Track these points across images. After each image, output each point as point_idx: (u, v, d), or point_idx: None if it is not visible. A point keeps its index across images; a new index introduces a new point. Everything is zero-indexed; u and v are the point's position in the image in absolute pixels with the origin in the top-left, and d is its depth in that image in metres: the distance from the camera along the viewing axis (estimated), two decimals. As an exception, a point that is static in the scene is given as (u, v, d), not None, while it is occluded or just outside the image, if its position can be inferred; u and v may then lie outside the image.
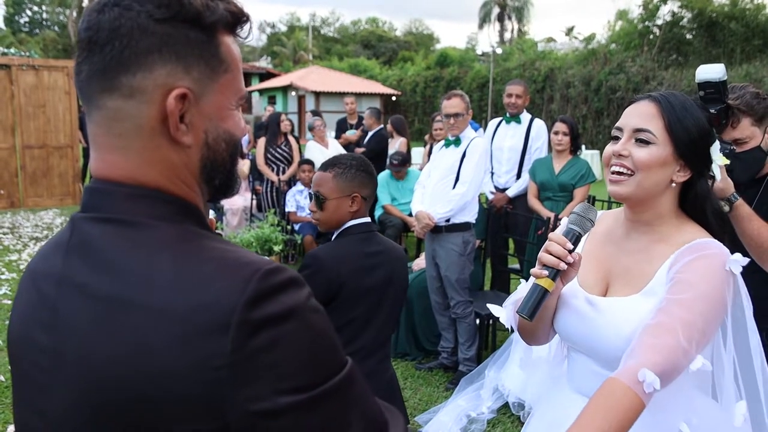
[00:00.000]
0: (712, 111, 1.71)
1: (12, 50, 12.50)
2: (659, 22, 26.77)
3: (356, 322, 2.30)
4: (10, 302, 5.95)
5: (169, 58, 0.83)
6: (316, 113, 11.00)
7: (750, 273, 1.57)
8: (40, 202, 11.51)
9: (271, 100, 32.97)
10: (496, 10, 53.51)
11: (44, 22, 58.83)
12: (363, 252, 2.40)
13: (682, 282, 1.44)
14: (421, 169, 7.67)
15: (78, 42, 0.86)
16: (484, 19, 54.38)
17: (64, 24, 48.89)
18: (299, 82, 30.84)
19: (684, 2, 25.62)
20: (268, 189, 8.19)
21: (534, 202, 5.54)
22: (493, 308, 1.94)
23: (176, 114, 0.84)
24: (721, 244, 1.51)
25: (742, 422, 1.52)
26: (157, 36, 0.82)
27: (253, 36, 0.95)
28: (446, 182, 4.51)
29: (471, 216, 4.51)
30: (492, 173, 5.95)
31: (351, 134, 9.05)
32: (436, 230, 4.52)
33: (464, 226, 4.48)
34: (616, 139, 1.57)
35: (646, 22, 27.14)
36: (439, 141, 5.30)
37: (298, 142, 8.61)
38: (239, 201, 8.69)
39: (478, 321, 4.68)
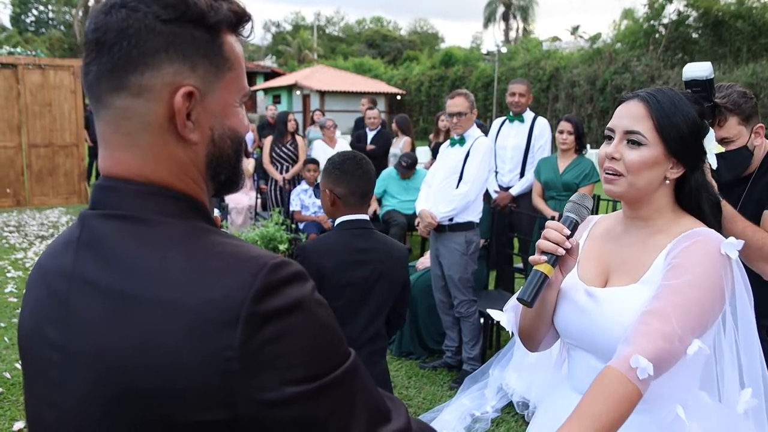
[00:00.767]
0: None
1: (18, 49, 12.55)
2: (665, 21, 26.68)
3: (338, 313, 2.35)
4: (16, 300, 5.97)
5: (176, 57, 0.86)
6: (318, 111, 11.02)
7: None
8: (46, 201, 11.54)
9: (276, 100, 32.99)
10: (501, 9, 53.46)
11: (50, 22, 58.98)
12: (352, 247, 2.48)
13: (676, 267, 1.45)
14: (426, 168, 7.69)
15: (85, 43, 0.88)
16: (488, 19, 54.33)
17: (70, 23, 49.01)
18: (304, 82, 30.86)
19: (690, 1, 25.53)
20: (273, 188, 8.21)
21: (538, 202, 5.53)
22: (494, 313, 1.93)
23: (183, 111, 0.86)
24: (715, 231, 1.52)
25: (744, 410, 1.51)
26: (163, 36, 0.85)
27: (255, 35, 0.97)
28: (450, 181, 4.51)
29: (475, 215, 4.51)
30: (496, 172, 5.95)
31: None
32: (440, 229, 4.53)
33: (467, 226, 4.48)
34: (610, 139, 1.59)
35: (652, 21, 27.06)
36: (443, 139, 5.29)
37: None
38: (244, 200, 8.70)
39: (482, 320, 4.69)
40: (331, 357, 0.83)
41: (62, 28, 54.87)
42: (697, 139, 1.54)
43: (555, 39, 50.32)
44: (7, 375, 4.39)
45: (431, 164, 7.63)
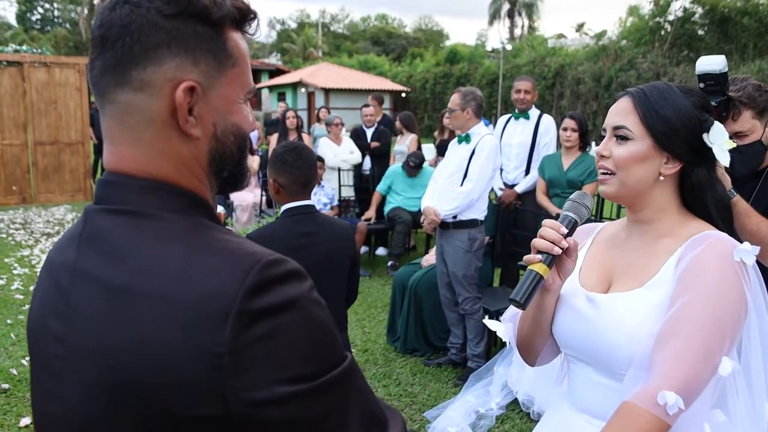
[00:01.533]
0: (713, 103, 1.66)
1: (24, 47, 12.52)
2: (671, 17, 26.62)
3: None
4: (22, 297, 6.00)
5: (178, 52, 0.86)
6: (324, 108, 11.02)
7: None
8: (52, 198, 11.58)
9: (281, 97, 32.96)
10: (506, 7, 53.38)
11: (56, 20, 59.09)
12: (296, 232, 2.62)
13: (690, 281, 1.35)
14: (431, 165, 7.69)
15: (91, 39, 0.89)
16: (494, 16, 54.25)
17: (76, 21, 49.11)
18: (309, 79, 30.84)
19: (696, -2, 25.47)
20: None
21: (542, 199, 5.53)
22: (491, 323, 1.86)
23: (185, 106, 0.87)
24: (727, 235, 1.43)
25: None
26: (165, 31, 0.85)
27: (261, 32, 0.97)
28: (455, 179, 4.52)
29: (479, 213, 4.51)
30: (501, 169, 5.94)
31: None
32: (444, 226, 4.53)
33: (471, 223, 4.49)
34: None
35: (658, 18, 26.99)
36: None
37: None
38: (249, 197, 8.72)
39: (487, 317, 4.68)
40: (327, 357, 0.82)
41: (68, 26, 54.97)
42: (692, 132, 1.45)
43: (560, 36, 50.22)
44: (14, 371, 4.41)
45: (436, 161, 7.63)
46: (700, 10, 26.09)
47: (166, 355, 0.78)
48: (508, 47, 32.65)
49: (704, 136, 1.46)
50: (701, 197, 1.48)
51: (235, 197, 8.64)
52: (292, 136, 8.21)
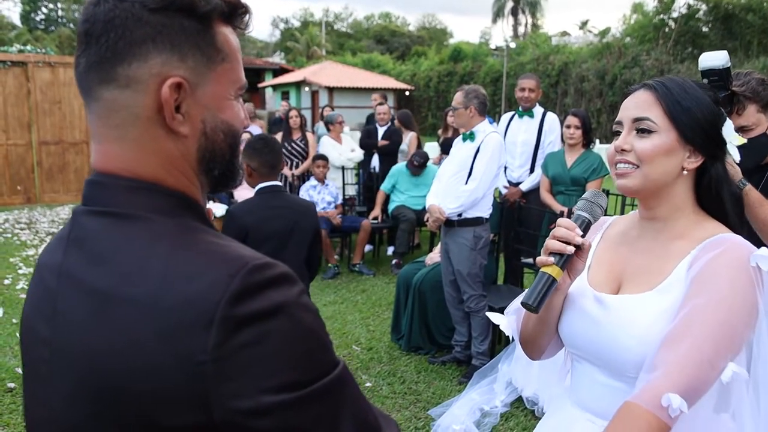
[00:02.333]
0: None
1: (28, 47, 12.54)
2: (675, 14, 26.55)
3: None
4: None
5: (164, 48, 0.83)
6: (327, 107, 11.01)
7: None
8: (57, 198, 11.62)
9: (285, 96, 32.93)
10: (509, 4, 53.31)
11: (60, 20, 59.18)
12: (269, 204, 3.28)
13: (703, 283, 1.31)
14: (435, 164, 7.69)
15: (77, 35, 0.86)
16: (497, 14, 54.19)
17: (80, 21, 49.05)
18: (313, 78, 30.83)
19: (700, -6, 25.39)
20: (283, 184, 8.22)
21: (546, 197, 5.52)
22: (494, 316, 1.83)
23: (171, 103, 0.84)
24: (743, 239, 1.38)
25: None
26: (150, 25, 0.82)
27: (253, 27, 0.94)
28: (459, 177, 4.52)
29: (484, 211, 4.50)
30: (505, 167, 5.93)
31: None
32: (449, 224, 4.53)
33: (476, 221, 4.48)
34: (618, 134, 1.47)
35: (662, 15, 26.93)
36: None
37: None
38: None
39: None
40: (316, 365, 0.79)
41: (72, 25, 55.03)
42: (713, 125, 1.41)
43: (564, 34, 50.08)
44: (20, 370, 4.42)
45: (440, 160, 7.63)
46: (704, 6, 26.01)
47: (146, 361, 0.75)
48: (512, 45, 32.62)
49: (723, 130, 1.44)
50: (719, 192, 1.44)
51: (240, 196, 8.64)
52: (296, 135, 8.21)
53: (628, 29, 28.99)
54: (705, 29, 26.60)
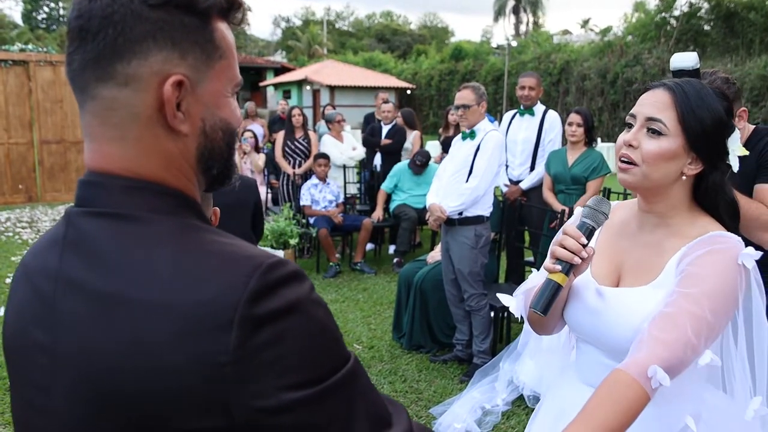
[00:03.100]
0: None
1: (30, 46, 12.54)
2: (676, 13, 26.50)
3: None
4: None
5: (165, 45, 0.81)
6: (329, 105, 11.00)
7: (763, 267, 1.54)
8: (58, 197, 11.64)
9: (286, 95, 32.98)
10: (511, 3, 53.23)
11: (61, 18, 59.17)
12: None
13: (693, 276, 1.41)
14: (436, 162, 7.69)
15: (68, 31, 0.84)
16: (499, 12, 54.13)
17: (81, 20, 49.04)
18: (314, 77, 30.82)
19: (702, -8, 25.36)
20: (285, 182, 8.22)
21: (548, 195, 5.51)
22: (504, 298, 1.95)
23: (173, 101, 0.82)
24: (735, 236, 1.46)
25: (752, 417, 1.49)
26: (151, 22, 0.81)
27: (249, 23, 0.93)
28: (460, 175, 4.51)
29: (484, 209, 4.50)
30: (506, 166, 5.93)
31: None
32: (450, 223, 4.53)
33: (477, 219, 4.48)
34: (630, 126, 1.52)
35: (663, 13, 26.87)
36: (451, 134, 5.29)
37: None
38: (254, 195, 8.72)
39: (492, 313, 4.69)
40: (330, 360, 0.79)
41: (66, 25, 55.04)
42: (720, 137, 1.47)
43: (565, 32, 50.08)
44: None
45: (441, 158, 7.63)
46: (706, 5, 25.95)
47: (158, 362, 0.74)
48: (513, 44, 32.58)
49: (728, 141, 1.49)
50: (714, 200, 1.52)
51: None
52: (299, 134, 8.21)
53: (630, 27, 28.94)
54: (707, 27, 26.54)
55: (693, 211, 1.53)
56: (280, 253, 6.57)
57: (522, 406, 4.05)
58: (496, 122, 6.04)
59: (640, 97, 1.55)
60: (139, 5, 0.80)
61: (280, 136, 8.42)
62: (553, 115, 5.90)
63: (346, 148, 8.47)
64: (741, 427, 1.52)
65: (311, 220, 7.28)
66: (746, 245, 1.46)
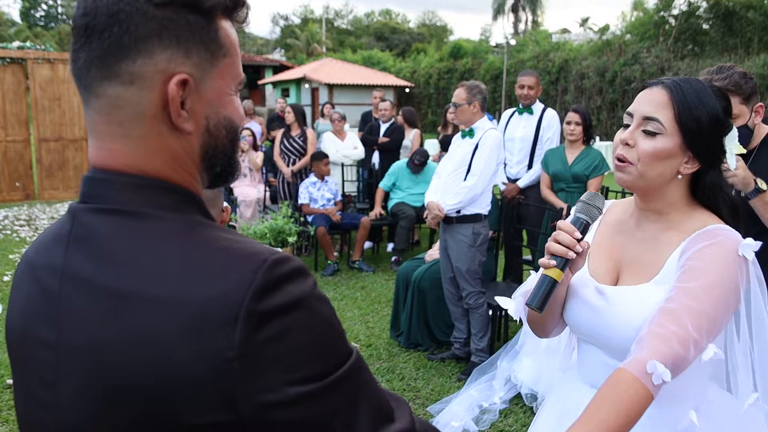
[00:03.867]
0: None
1: (28, 44, 12.52)
2: (675, 11, 26.53)
3: None
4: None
5: (170, 44, 0.82)
6: (328, 104, 11.00)
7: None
8: (56, 195, 11.62)
9: (285, 93, 33.00)
10: (510, 1, 53.20)
11: (59, 16, 59.16)
12: None
13: (692, 270, 1.39)
14: (434, 161, 7.69)
15: (73, 29, 0.85)
16: (498, 11, 54.10)
17: (79, 18, 49.03)
18: (313, 75, 30.81)
19: (700, -9, 25.39)
20: (282, 180, 8.21)
21: (547, 193, 5.52)
22: (502, 300, 1.93)
23: (177, 100, 0.83)
24: (733, 229, 1.46)
25: (745, 410, 1.49)
26: (156, 21, 0.81)
27: (251, 22, 0.93)
28: (458, 174, 4.51)
29: (483, 207, 4.50)
30: (504, 164, 5.93)
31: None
32: (448, 221, 4.53)
33: (475, 218, 4.49)
34: (627, 125, 1.52)
35: (662, 12, 26.90)
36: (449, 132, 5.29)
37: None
38: (252, 192, 8.73)
39: (490, 312, 4.69)
40: (334, 355, 0.81)
41: (71, 22, 55.06)
42: (717, 136, 1.46)
43: (564, 31, 50.11)
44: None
45: (439, 157, 7.63)
46: (704, 4, 26.00)
47: (166, 357, 0.75)
48: (512, 42, 32.55)
49: (724, 139, 1.48)
50: (714, 199, 1.51)
51: (239, 193, 8.65)
52: (295, 132, 8.19)
53: (629, 26, 28.98)
54: (705, 26, 26.58)
55: (691, 206, 1.53)
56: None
57: (520, 404, 4.05)
58: (495, 120, 6.04)
59: (638, 95, 1.54)
60: (145, 4, 0.81)
61: (279, 134, 8.40)
62: (551, 114, 5.90)
63: (345, 146, 8.47)
64: (743, 424, 1.52)
65: (309, 219, 7.28)
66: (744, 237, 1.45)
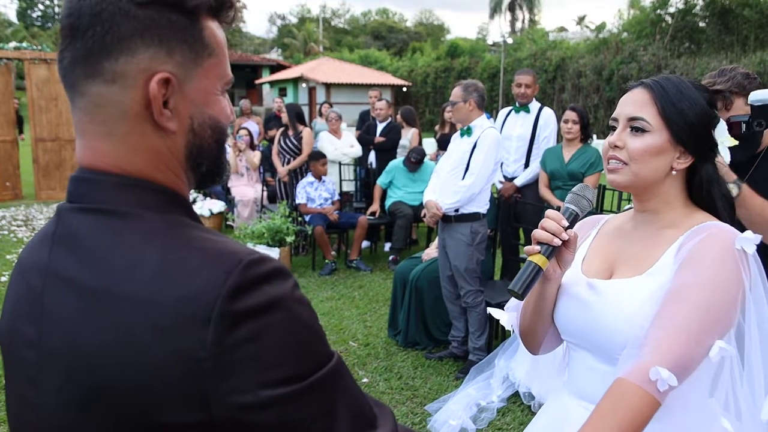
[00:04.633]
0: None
1: (24, 44, 12.51)
2: (671, 9, 26.55)
3: None
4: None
5: (152, 43, 0.82)
6: (326, 103, 10.99)
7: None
8: (53, 195, 11.61)
9: (282, 92, 32.98)
10: (507, 0, 53.23)
11: (56, 16, 59.01)
12: None
13: (689, 265, 1.36)
14: (432, 159, 7.69)
15: (60, 29, 0.85)
16: (494, 9, 54.15)
17: (76, 17, 48.97)
18: (310, 74, 30.80)
19: (697, -11, 25.41)
20: (279, 180, 8.20)
21: (545, 192, 5.52)
22: (495, 312, 1.89)
23: (159, 99, 0.83)
24: (729, 225, 1.44)
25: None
26: (138, 20, 0.82)
27: (239, 21, 0.93)
28: (456, 172, 4.52)
29: (481, 206, 4.51)
30: (501, 163, 5.94)
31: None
32: (446, 220, 4.54)
33: (473, 216, 4.49)
34: (614, 129, 1.52)
35: (659, 10, 26.93)
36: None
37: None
38: (250, 192, 8.73)
39: (488, 310, 4.69)
40: (311, 358, 0.79)
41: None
42: (705, 128, 1.46)
43: (561, 29, 50.17)
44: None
45: (437, 156, 7.64)
46: (701, 2, 26.03)
47: (142, 358, 0.75)
48: (509, 41, 32.59)
49: (713, 132, 1.48)
50: (709, 192, 1.50)
51: (237, 192, 8.65)
52: (291, 131, 8.18)
53: (625, 24, 29.01)
54: (702, 24, 26.60)
55: (688, 207, 1.52)
56: (276, 251, 6.59)
57: (517, 403, 4.05)
58: (492, 119, 6.04)
59: (620, 99, 1.54)
60: (127, 4, 0.81)
61: (278, 133, 8.39)
62: (548, 112, 5.90)
63: (342, 144, 8.47)
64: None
65: (307, 218, 7.28)
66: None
